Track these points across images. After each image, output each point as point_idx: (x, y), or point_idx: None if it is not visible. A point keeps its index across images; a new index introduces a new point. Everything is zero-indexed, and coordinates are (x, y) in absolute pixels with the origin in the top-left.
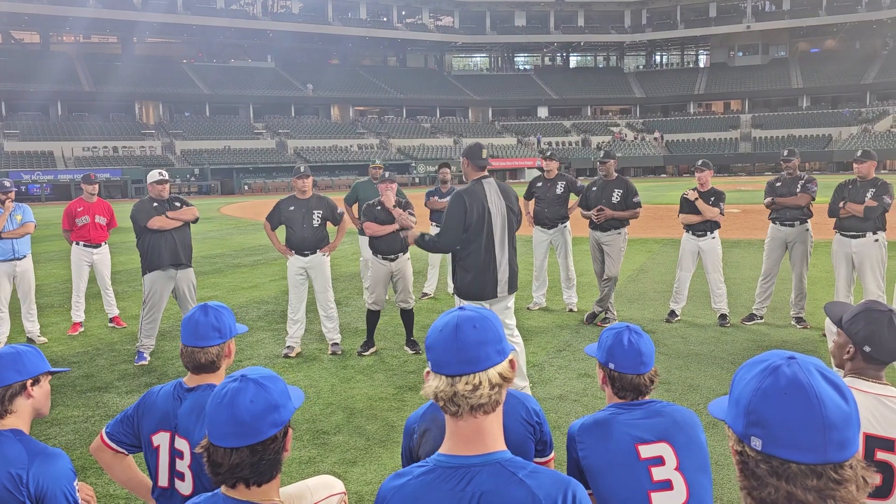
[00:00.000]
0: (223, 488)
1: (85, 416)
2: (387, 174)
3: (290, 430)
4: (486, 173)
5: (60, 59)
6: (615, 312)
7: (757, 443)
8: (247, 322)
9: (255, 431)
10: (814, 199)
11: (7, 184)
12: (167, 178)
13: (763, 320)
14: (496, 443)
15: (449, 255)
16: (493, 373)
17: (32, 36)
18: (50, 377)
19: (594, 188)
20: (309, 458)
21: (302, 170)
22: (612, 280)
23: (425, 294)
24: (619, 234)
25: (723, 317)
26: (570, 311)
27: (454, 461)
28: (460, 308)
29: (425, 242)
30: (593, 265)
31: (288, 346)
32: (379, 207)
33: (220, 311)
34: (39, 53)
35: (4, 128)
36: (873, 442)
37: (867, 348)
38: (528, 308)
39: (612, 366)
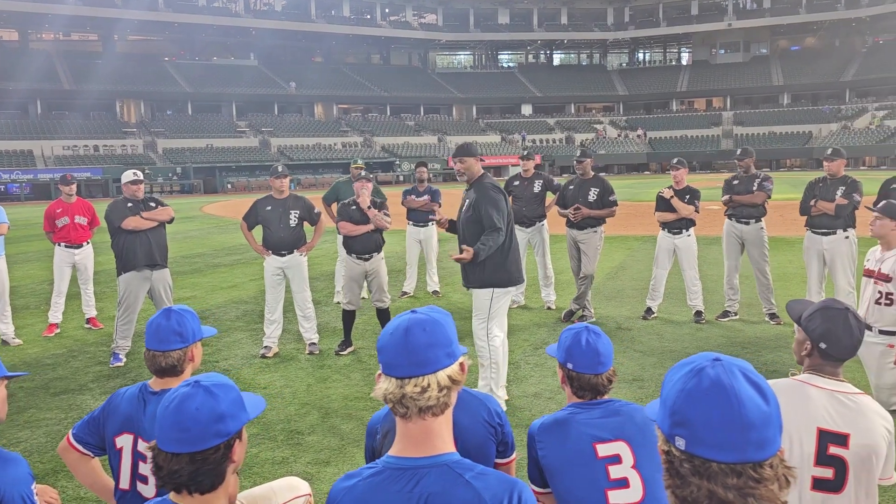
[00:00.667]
0: (171, 494)
1: (58, 418)
2: (363, 173)
3: (240, 442)
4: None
5: (40, 57)
6: (592, 310)
7: (681, 442)
8: (225, 322)
9: (196, 439)
10: (770, 198)
11: None
12: (142, 178)
13: (738, 316)
14: (445, 445)
15: (430, 254)
16: (442, 375)
17: (11, 34)
18: (6, 382)
19: (571, 187)
20: (282, 459)
21: (280, 169)
22: (589, 278)
23: (405, 293)
24: (596, 232)
25: (698, 314)
26: (549, 308)
27: (403, 463)
28: (412, 311)
29: (487, 248)
30: (570, 263)
31: (265, 347)
32: (354, 207)
33: (184, 316)
34: (18, 51)
35: None
36: (827, 437)
37: (823, 345)
38: None
39: (570, 366)
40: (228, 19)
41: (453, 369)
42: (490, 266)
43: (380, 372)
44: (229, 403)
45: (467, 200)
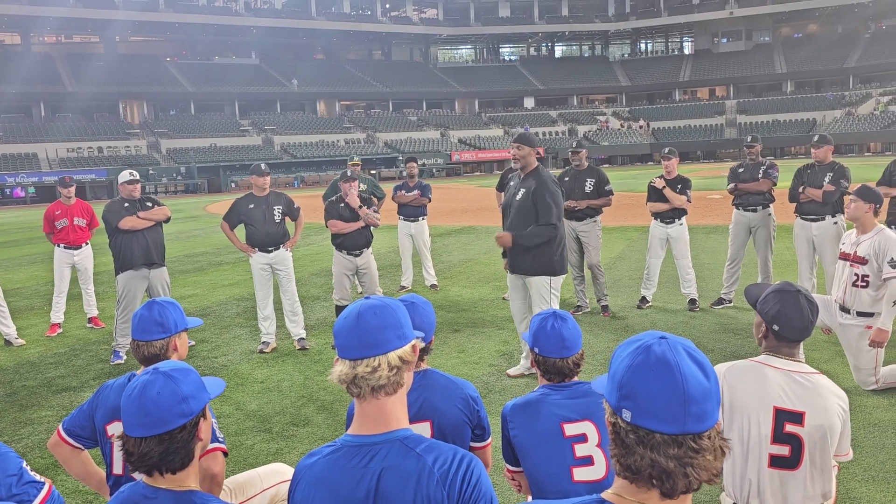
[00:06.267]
0: (143, 477)
1: (59, 415)
2: (349, 172)
3: (204, 420)
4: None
5: (42, 60)
6: (587, 300)
7: (627, 414)
8: (225, 319)
9: (161, 422)
10: (775, 185)
11: None
12: (138, 177)
13: (732, 304)
14: (399, 422)
15: (423, 248)
16: (392, 356)
17: (13, 37)
18: None
19: (567, 178)
20: (276, 450)
21: (263, 167)
22: (596, 268)
23: (403, 286)
24: (595, 222)
25: (692, 302)
26: None
27: (358, 440)
28: (366, 297)
29: (527, 239)
30: (569, 256)
31: (263, 342)
32: (343, 205)
33: (165, 307)
34: (20, 54)
35: None
36: (783, 415)
37: (776, 327)
38: (503, 298)
39: (537, 350)
40: (229, 18)
41: (404, 350)
42: (545, 255)
43: (337, 357)
44: (189, 385)
45: (522, 189)
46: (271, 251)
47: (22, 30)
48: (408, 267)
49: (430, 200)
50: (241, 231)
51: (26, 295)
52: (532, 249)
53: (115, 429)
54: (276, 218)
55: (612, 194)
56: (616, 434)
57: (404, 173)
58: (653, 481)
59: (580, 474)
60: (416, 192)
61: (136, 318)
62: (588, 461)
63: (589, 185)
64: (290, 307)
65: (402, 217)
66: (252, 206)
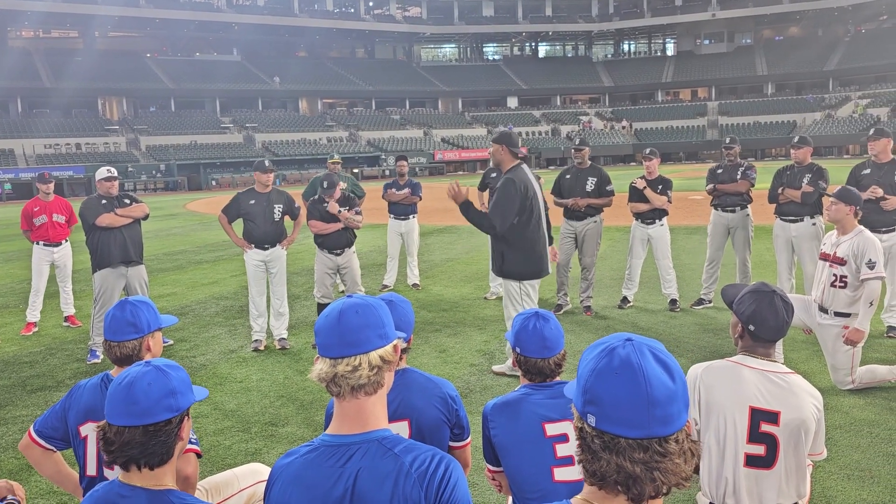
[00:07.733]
0: (120, 475)
1: (33, 415)
2: (325, 183)
3: (188, 420)
4: (519, 160)
5: (19, 55)
6: (569, 299)
7: (592, 419)
8: (204, 318)
9: (149, 412)
10: (753, 186)
11: None
12: (115, 174)
13: (712, 304)
14: (378, 422)
15: (412, 247)
16: (373, 355)
17: None
18: None
19: (567, 176)
20: (255, 450)
21: (267, 164)
22: (588, 267)
23: (385, 286)
24: (596, 222)
25: (673, 302)
26: None
27: (336, 440)
28: (348, 296)
29: (471, 213)
30: (560, 256)
31: (255, 340)
32: (324, 205)
33: (138, 307)
34: None
35: None
36: (758, 415)
37: (751, 327)
38: (485, 298)
39: (518, 350)
40: (210, 14)
41: (386, 350)
42: (510, 260)
43: (317, 355)
44: (178, 381)
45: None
46: (267, 249)
47: None
48: (393, 266)
49: (420, 199)
50: (238, 226)
51: (2, 293)
52: (501, 251)
53: (88, 429)
54: (275, 216)
55: (614, 194)
56: (583, 439)
57: (395, 171)
58: (619, 487)
59: (561, 474)
60: (406, 190)
61: (109, 318)
62: (569, 461)
63: (590, 184)
64: (278, 307)
65: (392, 216)
66: (253, 201)
